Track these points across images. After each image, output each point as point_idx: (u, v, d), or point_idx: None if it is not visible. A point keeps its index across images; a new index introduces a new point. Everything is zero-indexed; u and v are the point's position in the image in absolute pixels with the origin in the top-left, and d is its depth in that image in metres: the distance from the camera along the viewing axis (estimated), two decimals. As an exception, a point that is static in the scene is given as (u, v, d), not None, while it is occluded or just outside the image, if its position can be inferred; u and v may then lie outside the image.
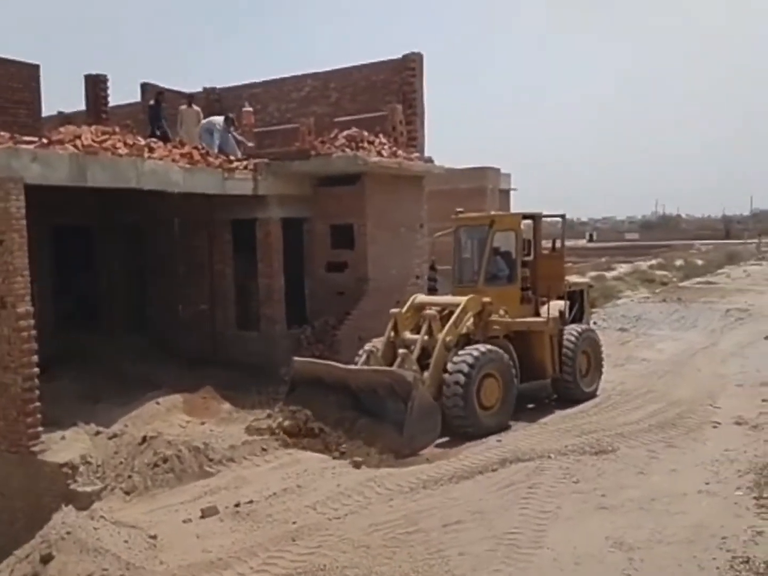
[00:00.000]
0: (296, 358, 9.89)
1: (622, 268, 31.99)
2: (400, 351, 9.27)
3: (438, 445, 8.53)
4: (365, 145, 12.61)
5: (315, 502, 6.84)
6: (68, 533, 6.21)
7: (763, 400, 9.86)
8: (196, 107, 14.85)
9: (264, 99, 15.41)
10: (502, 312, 9.83)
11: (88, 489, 7.66)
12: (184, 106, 14.69)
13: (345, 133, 12.78)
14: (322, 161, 12.25)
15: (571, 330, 10.46)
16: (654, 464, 7.43)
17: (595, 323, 17.32)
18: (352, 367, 9.36)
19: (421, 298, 10.30)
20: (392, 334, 9.82)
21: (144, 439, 8.40)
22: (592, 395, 10.61)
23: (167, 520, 6.84)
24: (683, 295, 22.40)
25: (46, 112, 15.87)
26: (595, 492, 6.66)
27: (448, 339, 9.21)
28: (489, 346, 9.25)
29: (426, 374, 9.00)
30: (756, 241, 50.03)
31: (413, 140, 14.04)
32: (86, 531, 6.25)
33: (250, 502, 7.05)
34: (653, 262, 35.20)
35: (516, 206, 28.56)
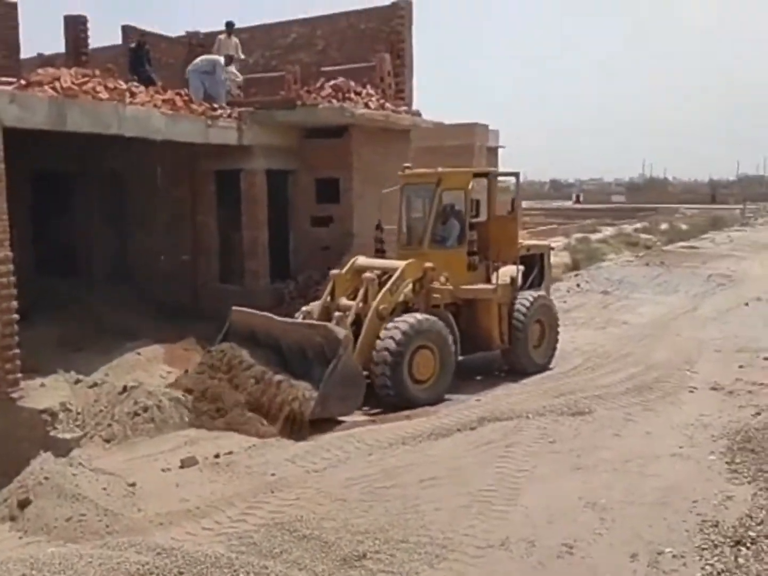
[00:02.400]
0: (234, 308, 9.30)
1: (608, 231, 32.06)
2: (336, 314, 8.64)
3: (369, 415, 8.14)
4: (352, 96, 12.39)
5: (294, 455, 6.89)
6: (46, 479, 6.21)
7: (740, 366, 9.97)
8: (234, 38, 14.12)
9: (250, 45, 14.99)
10: (443, 279, 9.15)
11: (68, 436, 7.67)
12: (222, 36, 14.06)
13: (332, 82, 12.54)
14: (307, 111, 12.02)
15: (524, 297, 9.74)
16: (630, 426, 7.52)
17: (578, 285, 17.49)
18: (288, 320, 8.85)
19: (362, 260, 9.56)
20: (329, 298, 9.21)
21: (125, 388, 8.39)
22: (545, 367, 10.03)
23: (146, 468, 6.88)
24: (666, 259, 22.51)
25: (24, 53, 15.39)
26: (570, 452, 6.74)
27: (381, 307, 8.56)
28: (425, 315, 8.64)
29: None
30: (741, 206, 50.22)
31: (401, 92, 13.80)
32: (64, 477, 6.25)
33: (230, 453, 7.10)
34: (638, 225, 35.29)
35: (503, 164, 28.39)
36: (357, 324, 8.64)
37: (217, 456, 7.02)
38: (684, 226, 34.88)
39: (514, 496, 5.77)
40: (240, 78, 13.98)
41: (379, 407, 8.38)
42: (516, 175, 10.64)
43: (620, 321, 13.67)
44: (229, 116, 11.91)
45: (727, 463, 6.33)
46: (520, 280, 9.91)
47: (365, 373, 8.28)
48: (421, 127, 13.98)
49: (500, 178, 11.18)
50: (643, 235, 30.52)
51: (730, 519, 5.17)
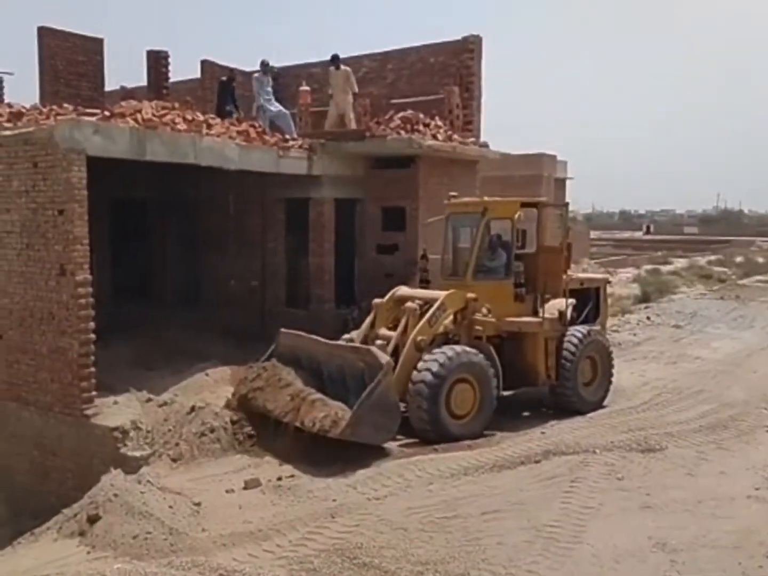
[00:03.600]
0: (283, 330, 9.27)
1: (679, 263, 31.15)
2: (377, 343, 8.54)
3: (405, 445, 7.96)
4: (420, 127, 12.52)
5: (355, 481, 6.89)
6: (116, 495, 6.40)
7: (822, 406, 9.48)
8: (345, 67, 13.80)
9: (321, 79, 15.38)
10: (485, 310, 8.84)
11: (137, 454, 7.89)
12: (332, 68, 13.89)
13: (400, 114, 12.72)
14: (376, 143, 12.22)
15: (574, 332, 9.32)
16: (703, 466, 7.24)
17: (648, 318, 17.01)
18: (332, 342, 8.74)
19: (403, 290, 9.37)
20: (369, 327, 9.04)
21: (192, 408, 8.58)
22: (597, 406, 9.51)
23: (211, 489, 7.01)
24: (742, 293, 21.67)
25: (108, 86, 16.26)
26: (639, 490, 6.53)
27: (419, 338, 8.31)
28: (464, 348, 8.35)
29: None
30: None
31: (469, 124, 13.87)
32: (133, 494, 6.43)
33: (292, 476, 7.16)
34: (712, 257, 34.15)
35: (572, 196, 28.07)
36: (396, 354, 8.43)
37: (279, 479, 7.09)
38: (760, 260, 33.54)
39: (579, 534, 5.62)
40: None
41: (414, 438, 8.15)
42: (565, 206, 10.47)
43: (693, 356, 13.20)
44: (300, 147, 12.23)
45: (807, 507, 6.01)
46: (571, 314, 9.54)
47: (402, 405, 8.07)
48: (488, 158, 13.99)
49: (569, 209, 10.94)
50: (717, 268, 29.51)
51: (810, 567, 4.90)
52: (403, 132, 12.19)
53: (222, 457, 7.89)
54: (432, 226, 10.29)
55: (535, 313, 9.27)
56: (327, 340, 8.80)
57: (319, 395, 7.94)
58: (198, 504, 6.50)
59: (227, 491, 6.90)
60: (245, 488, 6.93)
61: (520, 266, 9.31)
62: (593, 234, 43.25)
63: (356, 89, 13.84)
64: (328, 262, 12.80)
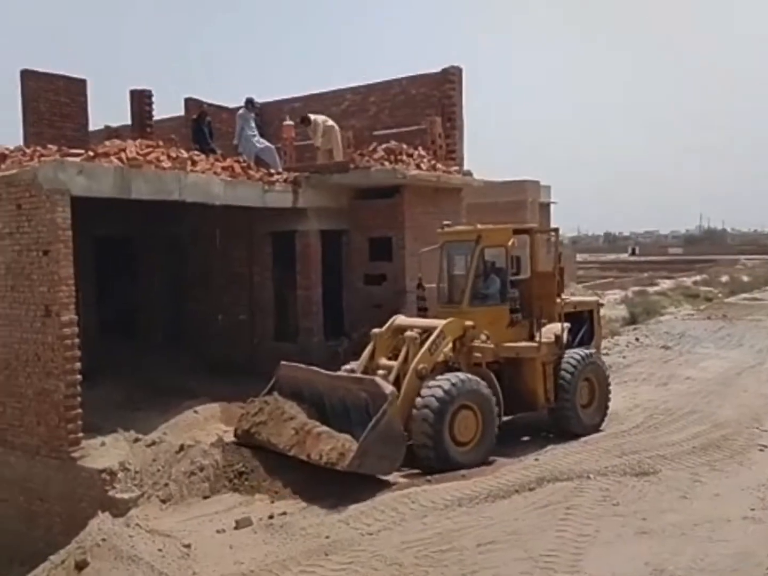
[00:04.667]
0: (283, 363, 9.31)
1: (665, 284, 31.39)
2: (379, 373, 8.58)
3: (406, 476, 7.88)
4: (404, 158, 12.62)
5: (348, 516, 6.80)
6: (104, 540, 6.29)
7: (813, 424, 9.50)
8: (314, 118, 13.92)
9: (304, 113, 15.53)
10: (483, 337, 8.97)
11: (126, 496, 7.76)
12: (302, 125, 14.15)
13: (384, 146, 12.81)
14: (361, 174, 12.29)
15: (571, 356, 9.44)
16: (697, 488, 7.21)
17: (637, 339, 17.07)
18: (334, 374, 8.77)
19: (402, 319, 9.45)
20: (368, 358, 9.06)
21: (181, 447, 8.46)
22: (595, 428, 9.61)
23: (201, 529, 6.88)
24: (729, 312, 21.83)
25: (93, 126, 16.29)
26: (635, 515, 6.48)
27: (420, 366, 8.34)
28: (466, 375, 8.42)
29: None
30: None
31: (452, 153, 14.00)
32: (121, 538, 6.32)
33: (284, 513, 7.06)
34: (697, 277, 34.44)
35: (556, 220, 28.29)
36: (398, 384, 8.41)
37: (271, 517, 6.99)
38: (746, 278, 33.86)
39: (577, 562, 5.56)
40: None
41: (417, 468, 8.07)
42: (555, 230, 10.58)
43: (683, 376, 13.22)
44: (285, 181, 12.29)
45: (804, 527, 5.98)
46: (566, 338, 9.63)
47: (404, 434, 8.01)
48: (472, 186, 14.11)
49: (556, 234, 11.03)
50: (703, 288, 29.74)
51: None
52: (387, 163, 12.27)
53: (212, 496, 7.76)
54: (425, 255, 10.38)
55: (531, 338, 9.36)
56: (329, 372, 8.81)
57: (324, 428, 7.94)
58: (188, 546, 6.38)
59: (218, 531, 6.78)
60: (236, 528, 6.81)
61: (515, 292, 9.43)
62: (579, 257, 43.58)
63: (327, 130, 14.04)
64: (315, 294, 12.79)
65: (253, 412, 8.76)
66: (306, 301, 12.79)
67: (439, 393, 8.06)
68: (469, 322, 8.92)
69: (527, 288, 9.85)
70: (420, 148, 13.31)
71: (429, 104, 14.24)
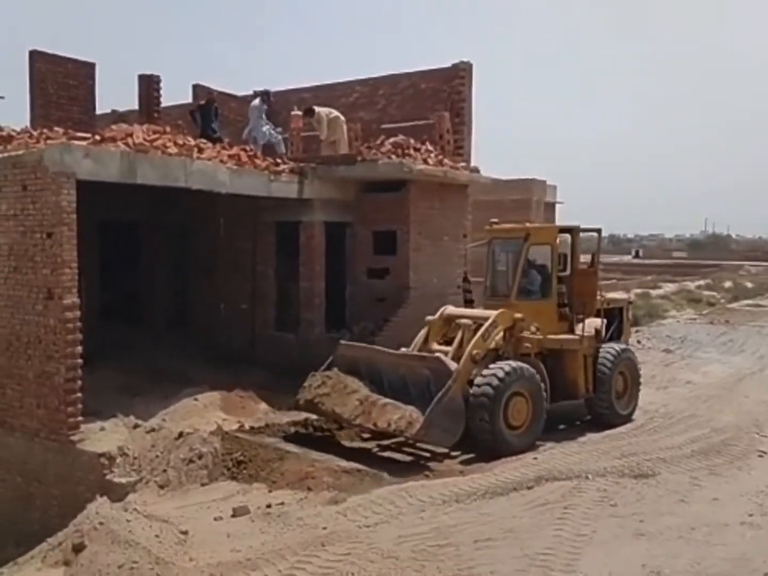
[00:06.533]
0: (342, 342, 9.91)
1: (669, 287, 31.31)
2: (437, 353, 9.05)
3: (465, 461, 8.36)
4: (411, 152, 12.57)
5: (345, 508, 6.78)
6: (101, 524, 6.27)
7: (813, 431, 9.47)
8: (318, 110, 13.80)
9: (312, 104, 15.49)
10: (533, 329, 9.46)
11: (124, 480, 7.78)
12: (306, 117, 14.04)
13: (391, 139, 12.77)
14: (367, 167, 12.25)
15: (608, 349, 10.05)
16: (696, 492, 7.19)
17: (639, 342, 17.02)
18: (395, 352, 9.34)
19: (451, 309, 10.03)
20: (423, 342, 9.63)
21: (180, 434, 8.48)
22: (628, 419, 10.17)
23: (199, 516, 6.87)
24: (731, 317, 21.79)
25: (100, 109, 16.28)
26: (633, 517, 6.46)
27: (474, 352, 8.84)
28: (519, 363, 8.92)
29: None
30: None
31: (460, 149, 13.95)
32: (119, 522, 6.30)
33: (282, 503, 7.05)
34: (701, 282, 34.37)
35: (561, 219, 28.22)
36: None
37: (268, 506, 6.97)
38: (749, 284, 33.81)
39: (573, 562, 5.54)
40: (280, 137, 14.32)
41: (472, 453, 8.53)
42: (598, 231, 11.13)
43: (683, 380, 13.20)
44: (291, 171, 12.25)
45: (802, 534, 5.97)
46: (603, 332, 10.14)
47: None
48: (479, 183, 14.07)
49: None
50: (706, 292, 29.69)
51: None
52: (394, 156, 12.23)
53: (210, 484, 7.76)
54: (472, 249, 11.16)
55: (571, 331, 9.91)
56: (389, 350, 9.39)
57: (388, 399, 8.42)
58: (185, 532, 6.36)
59: (215, 519, 6.77)
60: (234, 516, 6.80)
61: (562, 287, 10.00)
62: (582, 258, 43.40)
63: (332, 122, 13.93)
64: (318, 285, 12.76)
65: (315, 384, 9.12)
66: (308, 292, 12.77)
67: (495, 381, 8.54)
68: (519, 315, 9.39)
69: (568, 284, 10.33)
70: (427, 142, 13.26)
71: (438, 99, 14.18)
